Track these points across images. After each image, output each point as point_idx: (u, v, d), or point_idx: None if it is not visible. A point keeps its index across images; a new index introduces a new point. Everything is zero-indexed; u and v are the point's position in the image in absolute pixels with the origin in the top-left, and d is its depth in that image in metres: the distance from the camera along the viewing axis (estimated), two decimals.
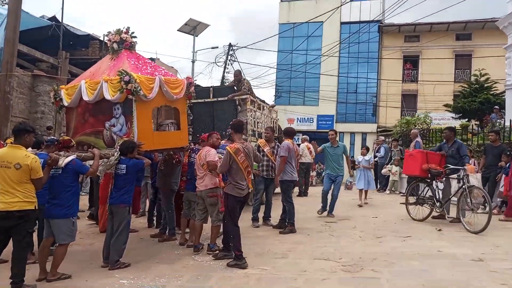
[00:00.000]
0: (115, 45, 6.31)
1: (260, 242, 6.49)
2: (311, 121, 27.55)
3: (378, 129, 26.62)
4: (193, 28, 22.09)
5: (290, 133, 7.50)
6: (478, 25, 25.79)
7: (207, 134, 6.72)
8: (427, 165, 7.97)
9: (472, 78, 19.81)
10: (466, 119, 19.19)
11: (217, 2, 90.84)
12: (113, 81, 5.75)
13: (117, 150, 5.57)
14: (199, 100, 9.80)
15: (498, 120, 15.01)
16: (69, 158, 4.98)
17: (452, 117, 19.72)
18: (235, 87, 10.02)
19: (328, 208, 8.64)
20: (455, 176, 7.72)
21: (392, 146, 13.83)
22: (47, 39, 14.87)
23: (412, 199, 8.41)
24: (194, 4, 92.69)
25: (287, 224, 7.24)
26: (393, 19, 28.00)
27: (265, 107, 11.28)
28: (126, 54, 6.27)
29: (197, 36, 22.77)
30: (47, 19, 14.68)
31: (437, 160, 8.13)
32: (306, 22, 24.79)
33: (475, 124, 17.13)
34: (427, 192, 8.18)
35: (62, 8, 14.09)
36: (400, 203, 8.77)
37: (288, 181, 7.25)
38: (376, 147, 15.19)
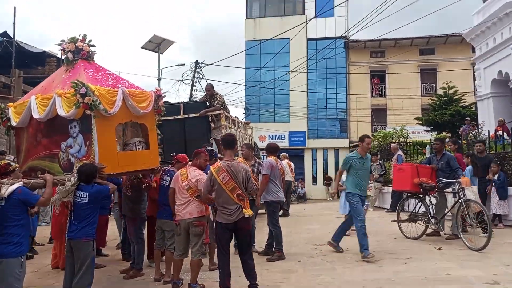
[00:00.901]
0: (69, 55, 5.49)
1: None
2: (283, 137, 27.07)
3: (350, 144, 26.44)
4: (157, 45, 21.24)
5: (273, 149, 6.79)
6: (441, 40, 26.37)
7: (182, 154, 5.98)
8: (418, 179, 7.46)
9: (440, 91, 19.98)
10: (437, 132, 19.22)
11: (181, 20, 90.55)
12: (67, 94, 4.92)
13: (75, 174, 4.69)
14: (169, 118, 8.95)
15: (473, 132, 14.96)
16: (14, 187, 4.08)
17: (424, 130, 19.70)
18: (207, 102, 9.27)
19: (336, 236, 6.81)
20: (449, 190, 7.22)
21: (372, 161, 13.35)
22: None
23: (404, 216, 7.85)
24: (156, 23, 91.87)
25: (274, 250, 6.46)
26: (359, 35, 28.26)
27: (239, 124, 10.57)
28: (83, 64, 5.46)
29: (162, 53, 21.94)
30: None
31: (428, 173, 7.64)
32: (272, 38, 24.51)
33: (447, 136, 17.09)
34: (419, 208, 7.63)
35: (14, 23, 12.93)
36: (392, 221, 8.19)
37: (274, 202, 6.50)
38: None
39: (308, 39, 28.17)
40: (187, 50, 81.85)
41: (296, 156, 25.55)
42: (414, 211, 7.65)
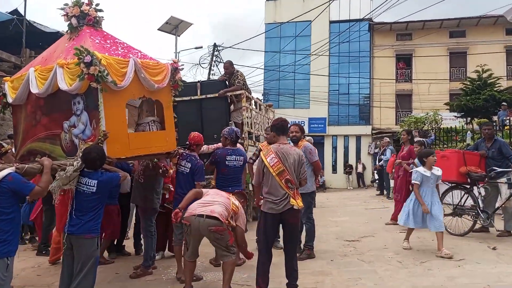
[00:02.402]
0: (73, 21, 4.76)
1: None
2: (302, 124, 25.97)
3: (373, 131, 25.39)
4: (174, 27, 20.51)
5: (303, 132, 6.01)
6: (472, 22, 24.82)
7: (197, 134, 5.29)
8: (465, 168, 6.59)
9: (474, 75, 18.76)
10: (470, 118, 18.13)
11: (200, 4, 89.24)
12: (70, 64, 4.23)
13: (78, 158, 4.01)
14: (184, 98, 8.23)
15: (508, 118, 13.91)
16: (4, 173, 3.40)
17: (455, 116, 18.57)
18: (226, 82, 8.50)
19: None
20: (503, 180, 6.36)
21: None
22: (11, 37, 13.12)
23: (447, 209, 7.00)
24: (175, 4, 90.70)
25: (304, 247, 5.72)
26: (384, 18, 26.97)
27: (261, 106, 9.79)
28: (89, 31, 4.73)
29: (179, 35, 21.21)
30: (7, 13, 12.90)
31: (476, 161, 6.78)
32: (293, 21, 23.40)
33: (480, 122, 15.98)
34: (466, 200, 6.78)
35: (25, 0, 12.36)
36: None
37: (313, 192, 5.78)
38: (381, 150, 13.86)
39: (331, 22, 26.86)
40: (206, 37, 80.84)
41: (316, 143, 24.62)
42: (460, 204, 6.81)
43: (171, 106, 5.23)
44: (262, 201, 4.19)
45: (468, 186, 6.74)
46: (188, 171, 5.11)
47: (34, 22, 14.09)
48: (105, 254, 5.88)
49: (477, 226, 6.69)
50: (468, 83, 18.48)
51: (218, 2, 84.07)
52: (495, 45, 24.10)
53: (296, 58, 25.72)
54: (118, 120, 4.39)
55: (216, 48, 23.40)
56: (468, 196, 6.72)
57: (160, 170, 5.25)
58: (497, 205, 6.67)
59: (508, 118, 13.91)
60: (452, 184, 6.99)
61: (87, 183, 3.87)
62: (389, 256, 5.59)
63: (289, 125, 4.82)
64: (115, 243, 6.33)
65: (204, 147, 5.95)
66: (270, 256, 4.17)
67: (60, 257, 5.27)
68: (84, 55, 4.02)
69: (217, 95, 8.13)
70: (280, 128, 4.35)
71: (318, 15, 20.17)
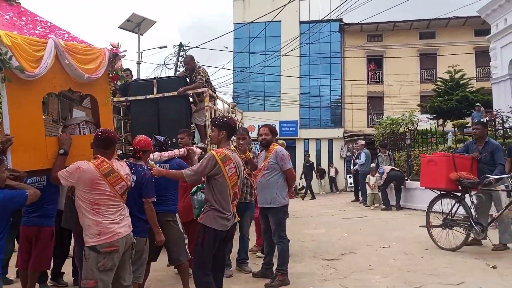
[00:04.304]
0: None
1: None
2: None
3: (345, 134, 24.84)
4: (137, 25, 19.19)
5: (276, 135, 5.09)
6: (442, 23, 24.73)
7: (143, 138, 4.19)
8: (456, 174, 5.85)
9: (445, 76, 18.49)
10: (443, 119, 17.82)
11: (169, 5, 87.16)
12: None
13: None
14: (139, 97, 7.21)
15: (484, 119, 13.54)
16: None
17: (427, 118, 18.21)
18: (187, 79, 7.50)
19: None
20: (501, 187, 5.64)
21: (380, 152, 11.79)
22: None
23: (435, 220, 6.25)
24: (139, 5, 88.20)
25: (276, 272, 4.76)
26: (356, 19, 26.61)
27: (226, 106, 8.84)
28: (2, 5, 3.66)
29: (142, 34, 19.90)
30: None
31: (468, 166, 6.04)
32: (262, 21, 22.49)
33: (465, 123, 15.58)
34: (457, 210, 6.04)
35: None
36: (420, 226, 6.58)
37: (286, 206, 4.84)
38: (355, 153, 13.19)
39: (301, 22, 26.32)
40: (173, 39, 79.03)
41: (288, 146, 23.83)
42: (450, 214, 6.05)
43: (109, 102, 4.22)
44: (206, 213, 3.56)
45: (459, 194, 6.00)
46: (133, 185, 4.05)
47: None
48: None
49: (470, 238, 5.95)
50: (440, 84, 18.20)
51: (187, 4, 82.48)
52: (464, 46, 24.09)
53: (266, 59, 24.93)
54: (30, 121, 3.34)
55: (182, 48, 22.29)
56: (459, 206, 5.99)
57: None
58: (493, 215, 5.97)
59: (483, 119, 13.57)
60: (441, 192, 6.24)
61: None
62: (377, 280, 4.72)
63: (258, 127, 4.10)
64: (50, 269, 5.17)
65: (156, 155, 4.88)
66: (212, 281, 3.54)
67: None
68: None
69: (176, 93, 7.12)
70: (233, 130, 3.84)
71: (280, 11, 19.30)
